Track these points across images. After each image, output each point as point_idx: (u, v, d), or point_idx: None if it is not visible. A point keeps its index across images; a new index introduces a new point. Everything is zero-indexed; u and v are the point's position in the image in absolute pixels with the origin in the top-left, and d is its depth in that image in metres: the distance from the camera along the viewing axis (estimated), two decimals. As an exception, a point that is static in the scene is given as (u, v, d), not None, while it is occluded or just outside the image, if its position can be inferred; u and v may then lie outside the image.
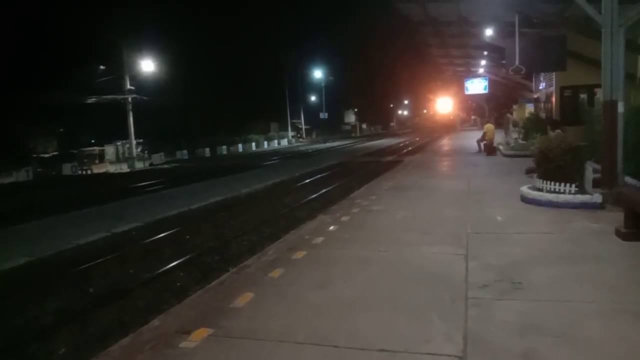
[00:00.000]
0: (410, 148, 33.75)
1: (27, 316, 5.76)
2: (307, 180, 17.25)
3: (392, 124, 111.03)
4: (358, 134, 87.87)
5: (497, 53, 25.32)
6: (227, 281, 5.07)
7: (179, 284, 6.64)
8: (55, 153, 35.25)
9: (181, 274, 7.04)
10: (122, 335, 4.49)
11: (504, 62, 20.41)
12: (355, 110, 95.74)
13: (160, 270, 7.13)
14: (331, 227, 7.25)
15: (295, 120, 71.10)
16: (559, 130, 11.79)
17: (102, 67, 36.66)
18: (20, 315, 5.78)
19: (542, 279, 4.51)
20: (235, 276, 5.23)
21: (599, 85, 14.51)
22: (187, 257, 7.86)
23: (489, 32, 20.17)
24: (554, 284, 4.39)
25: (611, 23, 8.01)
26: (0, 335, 5.27)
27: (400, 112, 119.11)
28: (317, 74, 71.42)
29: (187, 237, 9.34)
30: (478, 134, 23.40)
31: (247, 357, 3.38)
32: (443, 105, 74.14)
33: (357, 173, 18.85)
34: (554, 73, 18.66)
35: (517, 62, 14.85)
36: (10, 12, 43.34)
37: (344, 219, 7.86)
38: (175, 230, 9.78)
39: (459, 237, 6.21)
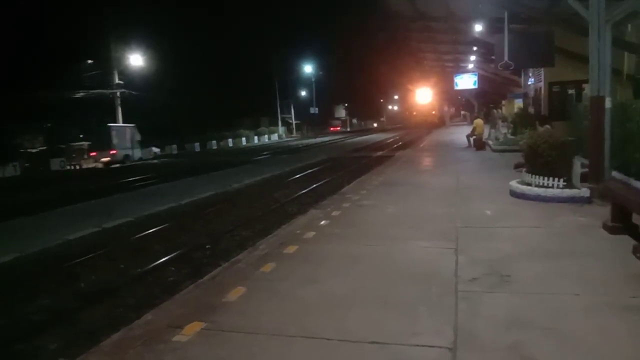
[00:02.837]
0: (400, 143, 33.88)
1: (16, 312, 5.73)
2: (298, 176, 17.27)
3: (382, 119, 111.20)
4: (348, 129, 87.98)
5: (486, 49, 25.43)
6: (218, 276, 5.09)
7: (170, 279, 6.63)
8: (43, 148, 34.84)
9: (172, 269, 7.03)
10: (113, 330, 4.49)
11: (493, 57, 20.53)
12: (346, 105, 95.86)
13: (151, 266, 7.11)
14: (322, 222, 7.29)
15: (285, 115, 71.10)
16: (547, 126, 11.87)
17: (90, 61, 36.37)
18: (10, 311, 5.75)
19: (531, 273, 4.58)
20: (227, 271, 5.25)
21: (586, 81, 14.72)
22: (178, 252, 7.84)
23: (477, 27, 20.28)
24: (542, 278, 4.45)
25: (598, 19, 8.08)
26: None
27: (390, 107, 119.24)
28: (308, 69, 71.37)
29: (178, 232, 9.32)
30: (467, 129, 23.54)
31: (239, 350, 3.40)
32: (422, 96, 61.17)
33: (347, 168, 18.90)
34: (542, 69, 18.82)
35: (506, 58, 14.94)
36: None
37: (334, 213, 7.90)
38: (165, 225, 9.76)
39: (449, 232, 6.27)
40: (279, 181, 16.02)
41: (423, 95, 60.82)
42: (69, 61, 38.78)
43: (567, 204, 7.58)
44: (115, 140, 33.24)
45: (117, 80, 34.46)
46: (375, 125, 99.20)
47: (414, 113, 65.71)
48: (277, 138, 61.58)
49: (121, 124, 35.93)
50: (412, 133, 47.00)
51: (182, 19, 62.49)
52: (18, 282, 6.73)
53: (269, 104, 65.49)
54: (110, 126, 34.37)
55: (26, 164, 29.28)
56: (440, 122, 60.02)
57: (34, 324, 5.34)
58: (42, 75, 40.26)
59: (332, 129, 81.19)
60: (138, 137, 35.63)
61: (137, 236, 8.95)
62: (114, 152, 33.07)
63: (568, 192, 7.78)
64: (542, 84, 19.37)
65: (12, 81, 37.90)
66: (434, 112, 61.92)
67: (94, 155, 32.80)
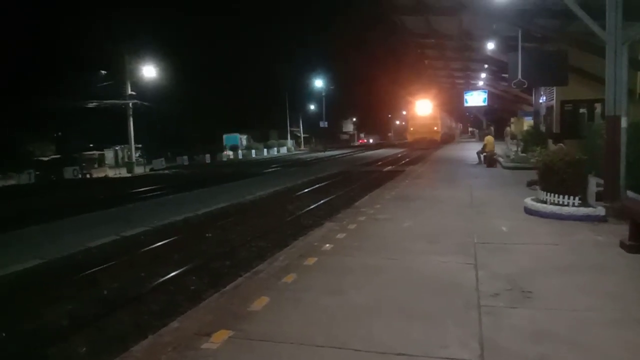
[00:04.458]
0: (408, 159, 33.93)
1: (43, 318, 5.83)
2: (310, 188, 17.35)
3: (389, 134, 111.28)
4: (356, 143, 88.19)
5: (498, 67, 25.64)
6: (241, 286, 5.17)
7: (192, 287, 6.74)
8: (56, 156, 35.25)
9: (193, 277, 7.13)
10: (141, 337, 4.59)
11: (505, 75, 20.71)
12: (354, 119, 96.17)
13: (173, 274, 7.22)
14: (339, 235, 7.37)
15: (293, 129, 71.49)
16: (561, 144, 11.95)
17: (103, 72, 36.82)
18: (37, 317, 5.85)
19: (551, 289, 4.64)
20: (249, 281, 5.33)
21: (599, 100, 14.85)
22: (198, 261, 7.96)
23: (490, 45, 20.49)
24: (564, 294, 4.52)
25: (615, 40, 8.20)
26: (19, 337, 5.35)
27: (398, 122, 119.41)
28: (318, 83, 71.65)
29: (196, 242, 9.46)
30: (475, 146, 23.57)
31: (269, 359, 3.48)
32: (422, 109, 49.52)
33: (358, 182, 18.98)
34: (554, 87, 18.92)
35: (519, 76, 15.07)
36: (13, 17, 43.62)
37: (351, 227, 7.99)
38: (183, 235, 9.90)
39: (466, 247, 6.34)
40: (292, 194, 16.12)
41: (423, 108, 49.33)
42: (79, 70, 39.37)
43: (582, 222, 7.62)
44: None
45: (129, 91, 34.82)
46: (371, 140, 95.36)
47: (411, 129, 51.29)
48: (286, 151, 61.79)
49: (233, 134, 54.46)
50: (420, 148, 46.33)
51: (192, 32, 63.34)
52: (43, 288, 6.83)
53: (278, 117, 66.00)
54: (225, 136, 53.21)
55: (37, 172, 29.55)
56: (448, 139, 57.44)
57: (62, 329, 5.44)
58: (52, 84, 40.87)
59: (360, 141, 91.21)
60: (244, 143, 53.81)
61: (156, 245, 9.07)
62: (227, 152, 48.49)
63: (583, 210, 7.82)
64: (554, 102, 19.44)
65: (22, 89, 38.51)
66: (435, 128, 49.15)
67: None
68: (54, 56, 44.05)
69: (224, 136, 55.20)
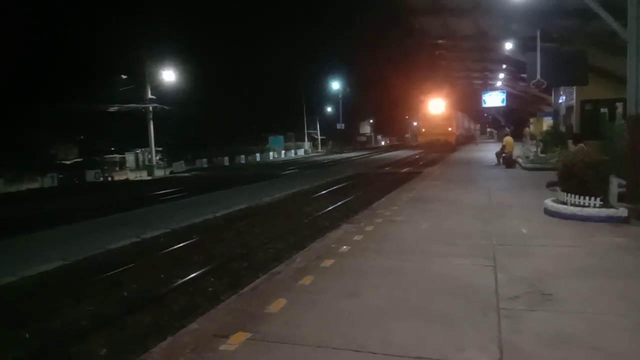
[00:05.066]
0: (425, 160, 33.71)
1: (64, 318, 5.94)
2: (327, 190, 17.38)
3: (407, 135, 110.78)
4: (373, 145, 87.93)
5: (517, 67, 25.39)
6: (258, 287, 5.19)
7: (210, 289, 6.80)
8: (78, 160, 35.84)
9: (212, 279, 7.21)
10: (160, 338, 4.65)
11: (523, 75, 20.51)
12: (371, 121, 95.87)
13: (192, 276, 7.30)
14: (356, 237, 7.35)
15: (311, 131, 71.57)
16: (581, 145, 11.78)
17: (123, 76, 37.34)
18: (58, 317, 5.97)
19: (572, 292, 4.57)
20: (267, 283, 5.34)
21: (620, 100, 14.59)
22: (216, 263, 8.03)
23: (508, 46, 20.30)
24: (585, 297, 4.44)
25: (637, 38, 8.06)
26: (40, 337, 5.45)
27: (415, 124, 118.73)
28: (335, 85, 71.65)
29: (215, 243, 9.55)
30: (494, 146, 23.30)
31: (287, 360, 3.50)
32: (435, 108, 45.21)
33: (376, 184, 18.93)
34: (574, 87, 18.66)
35: (538, 76, 14.90)
36: (35, 22, 44.53)
37: (368, 228, 7.96)
38: (202, 236, 10.01)
39: (486, 249, 6.27)
40: (309, 195, 16.15)
41: (435, 107, 45.18)
42: (100, 75, 40.02)
43: (603, 223, 7.49)
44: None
45: (149, 95, 35.24)
46: (383, 143, 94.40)
47: (423, 130, 47.78)
48: (303, 153, 61.86)
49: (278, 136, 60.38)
50: (438, 150, 45.56)
51: (209, 35, 63.70)
52: (65, 289, 6.96)
53: (295, 119, 66.21)
54: (270, 137, 58.94)
55: (60, 175, 30.01)
56: (466, 140, 56.36)
57: (82, 330, 5.54)
58: (75, 88, 41.59)
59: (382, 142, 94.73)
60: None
61: (175, 247, 9.19)
62: (284, 151, 55.41)
63: (605, 212, 7.69)
64: (574, 102, 19.17)
65: (45, 93, 39.24)
66: (450, 129, 44.92)
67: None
68: (76, 61, 44.80)
69: (270, 138, 59.83)
